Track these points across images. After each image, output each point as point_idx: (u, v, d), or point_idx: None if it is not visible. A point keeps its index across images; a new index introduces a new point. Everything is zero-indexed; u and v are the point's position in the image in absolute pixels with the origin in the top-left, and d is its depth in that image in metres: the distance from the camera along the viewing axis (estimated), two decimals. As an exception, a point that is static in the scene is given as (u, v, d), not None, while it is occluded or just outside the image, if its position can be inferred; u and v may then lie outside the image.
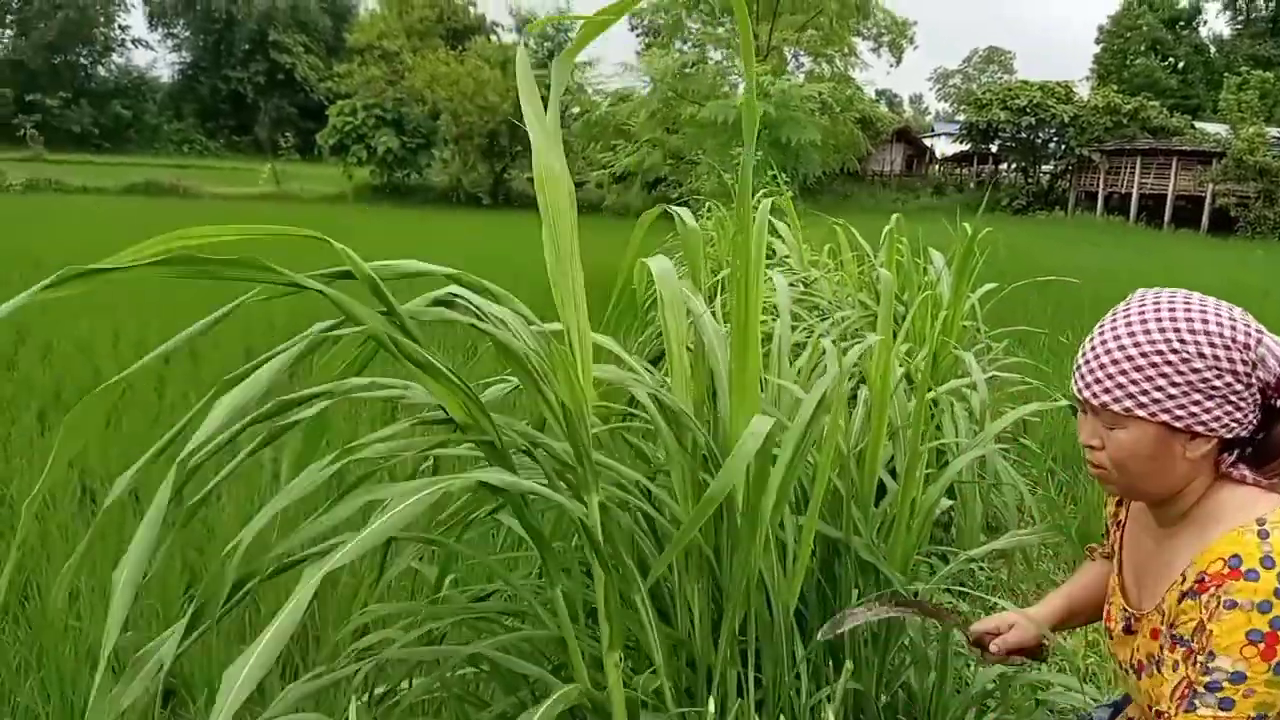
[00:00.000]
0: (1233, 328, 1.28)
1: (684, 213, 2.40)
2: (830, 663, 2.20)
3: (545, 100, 1.69)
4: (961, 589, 3.61)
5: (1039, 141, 40.63)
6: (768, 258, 6.65)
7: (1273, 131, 34.76)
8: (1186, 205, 35.58)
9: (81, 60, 63.09)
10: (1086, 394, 1.35)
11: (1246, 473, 1.33)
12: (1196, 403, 1.27)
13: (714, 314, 2.38)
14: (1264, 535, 1.25)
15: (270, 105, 64.14)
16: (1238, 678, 1.20)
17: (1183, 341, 1.27)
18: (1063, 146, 39.89)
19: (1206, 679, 1.23)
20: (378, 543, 1.28)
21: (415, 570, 2.44)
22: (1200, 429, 1.28)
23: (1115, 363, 1.31)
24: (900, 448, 2.86)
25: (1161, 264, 18.86)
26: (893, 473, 2.91)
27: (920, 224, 7.44)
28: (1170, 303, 1.32)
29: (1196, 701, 1.24)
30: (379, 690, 1.97)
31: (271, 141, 44.54)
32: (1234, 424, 1.29)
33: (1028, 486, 3.92)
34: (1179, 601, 1.32)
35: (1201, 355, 1.26)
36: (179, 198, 30.50)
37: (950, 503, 3.06)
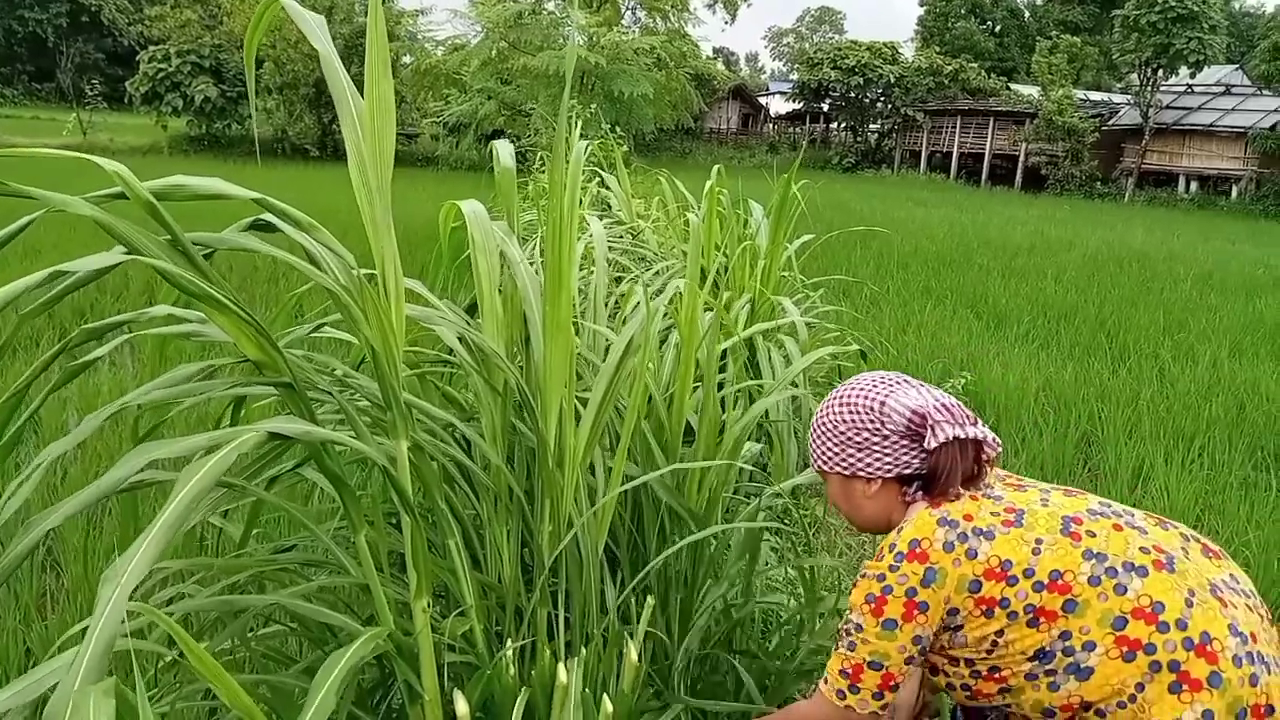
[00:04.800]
0: (866, 397, 1.71)
1: (502, 146, 2.32)
2: (636, 601, 2.25)
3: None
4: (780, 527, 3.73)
5: (867, 101, 41.92)
6: (601, 212, 6.67)
7: (1079, 94, 36.92)
8: (1002, 164, 37.51)
9: None
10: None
11: (919, 496, 1.70)
12: (850, 455, 1.73)
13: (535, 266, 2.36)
14: (899, 530, 1.66)
15: (74, 50, 59.41)
16: (857, 628, 1.62)
17: (834, 414, 1.75)
18: (889, 106, 41.30)
19: (843, 626, 1.66)
20: (170, 539, 1.15)
21: (219, 529, 2.34)
22: (862, 474, 1.72)
23: (811, 431, 1.82)
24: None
25: (976, 219, 19.85)
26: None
27: (752, 180, 7.60)
28: (851, 384, 1.77)
29: (839, 641, 1.66)
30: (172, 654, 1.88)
31: (76, 89, 41.18)
32: (888, 466, 1.70)
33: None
34: None
35: (843, 420, 1.73)
36: (-29, 148, 28.06)
37: (760, 445, 3.16)
